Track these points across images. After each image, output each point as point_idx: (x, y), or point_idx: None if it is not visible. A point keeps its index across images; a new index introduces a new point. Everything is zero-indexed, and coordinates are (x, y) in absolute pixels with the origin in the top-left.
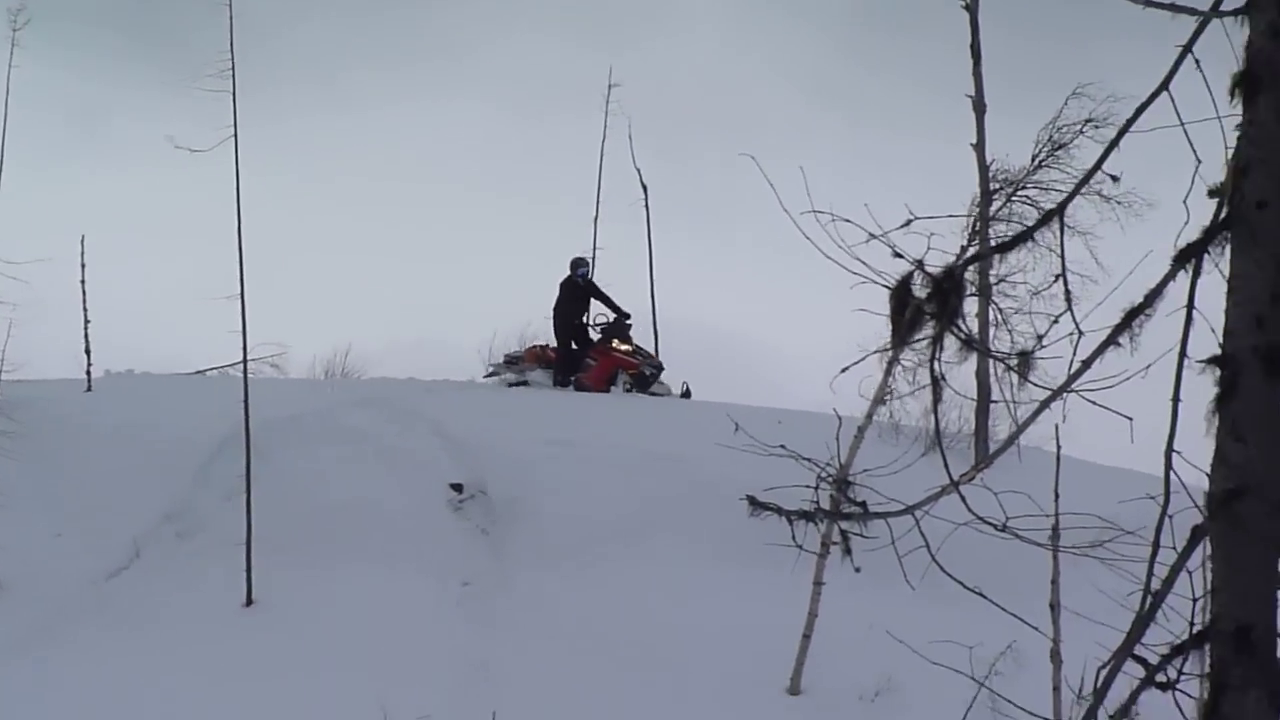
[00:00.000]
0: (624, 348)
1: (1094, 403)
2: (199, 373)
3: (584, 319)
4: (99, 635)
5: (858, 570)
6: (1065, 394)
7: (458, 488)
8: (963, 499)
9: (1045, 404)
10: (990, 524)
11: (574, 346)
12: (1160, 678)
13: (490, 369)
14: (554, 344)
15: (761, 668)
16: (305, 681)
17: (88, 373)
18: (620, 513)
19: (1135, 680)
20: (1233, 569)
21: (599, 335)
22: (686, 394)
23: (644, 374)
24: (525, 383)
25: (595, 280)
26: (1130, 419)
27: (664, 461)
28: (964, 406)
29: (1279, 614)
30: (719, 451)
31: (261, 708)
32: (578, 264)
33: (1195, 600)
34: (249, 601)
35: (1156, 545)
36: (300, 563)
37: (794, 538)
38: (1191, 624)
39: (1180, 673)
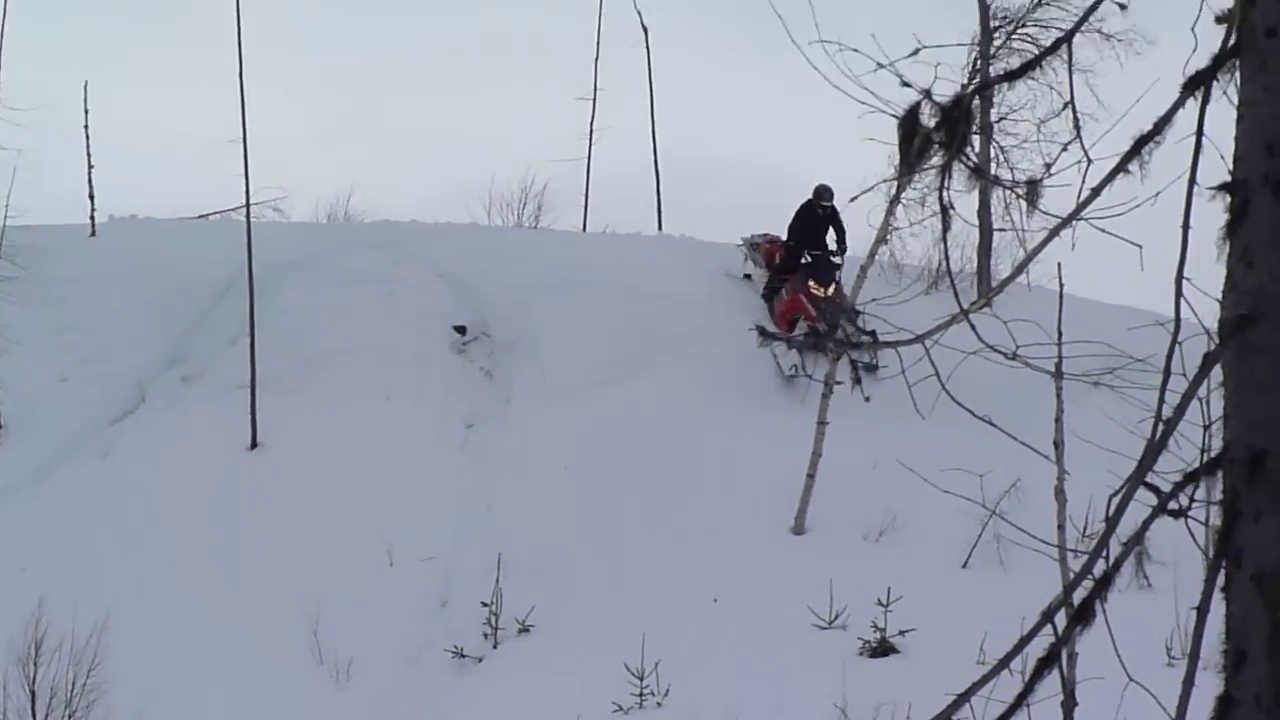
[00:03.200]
0: (816, 292)
1: (1104, 230)
2: (202, 217)
3: (813, 249)
4: (103, 477)
5: (868, 399)
6: (1075, 222)
7: (461, 330)
8: (973, 327)
9: (1057, 230)
10: (1001, 352)
11: (785, 272)
12: (1172, 506)
13: (741, 247)
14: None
15: (765, 507)
16: (311, 522)
17: (91, 218)
18: (622, 352)
19: (1147, 508)
20: (1246, 395)
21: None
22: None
23: (817, 329)
24: (750, 276)
25: (838, 210)
26: (1140, 246)
27: (666, 302)
28: (965, 246)
29: None
30: (724, 293)
31: (268, 547)
32: (822, 193)
33: (1207, 427)
34: (254, 444)
35: (1168, 373)
36: (304, 405)
37: (802, 367)
38: (1204, 451)
39: (1192, 500)
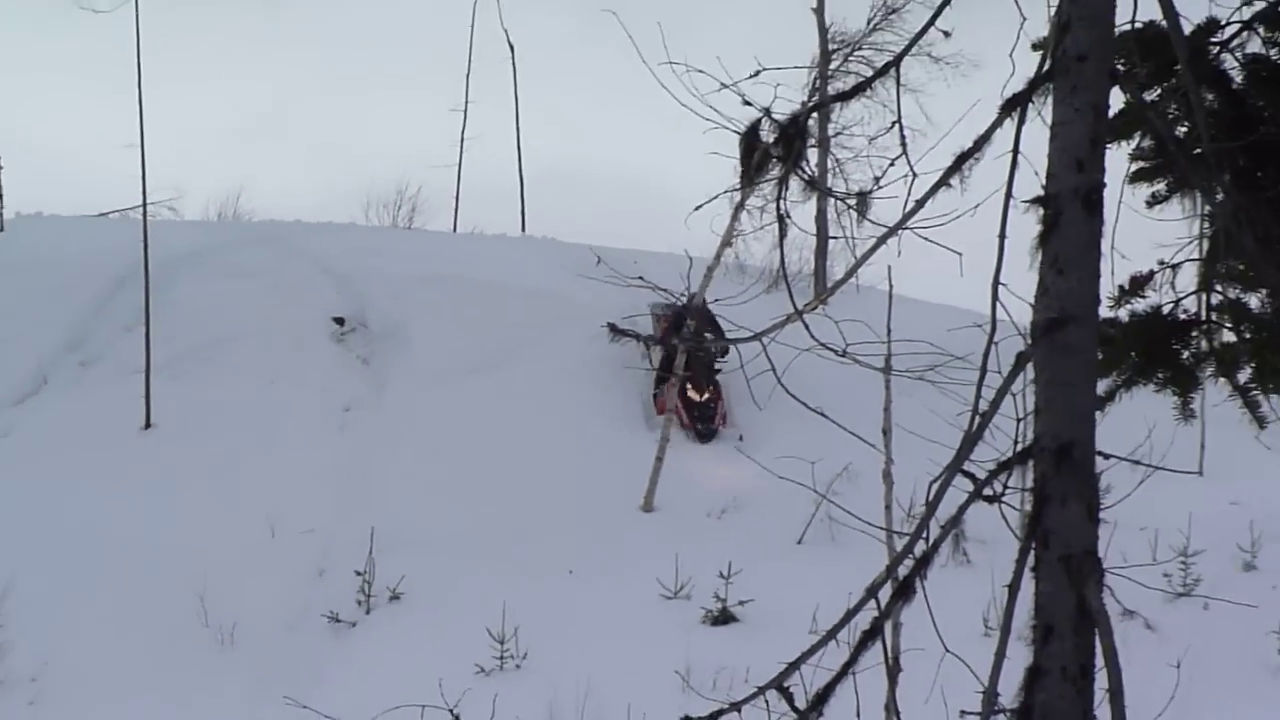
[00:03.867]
0: (692, 396)
1: (927, 239)
2: (102, 215)
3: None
4: (4, 455)
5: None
6: (900, 230)
7: (340, 321)
8: (806, 326)
9: (884, 238)
10: (832, 349)
11: (666, 369)
12: (987, 491)
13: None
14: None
15: (617, 487)
16: (201, 497)
17: None
18: (490, 341)
19: (964, 493)
20: (1055, 391)
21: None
22: (740, 438)
23: (699, 429)
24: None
25: (714, 313)
26: (960, 253)
27: (532, 296)
28: (803, 249)
29: (1095, 432)
30: (583, 288)
31: (159, 520)
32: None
33: (1019, 420)
34: (148, 424)
35: (984, 370)
36: (195, 388)
37: (650, 361)
38: (1016, 442)
39: (1005, 487)
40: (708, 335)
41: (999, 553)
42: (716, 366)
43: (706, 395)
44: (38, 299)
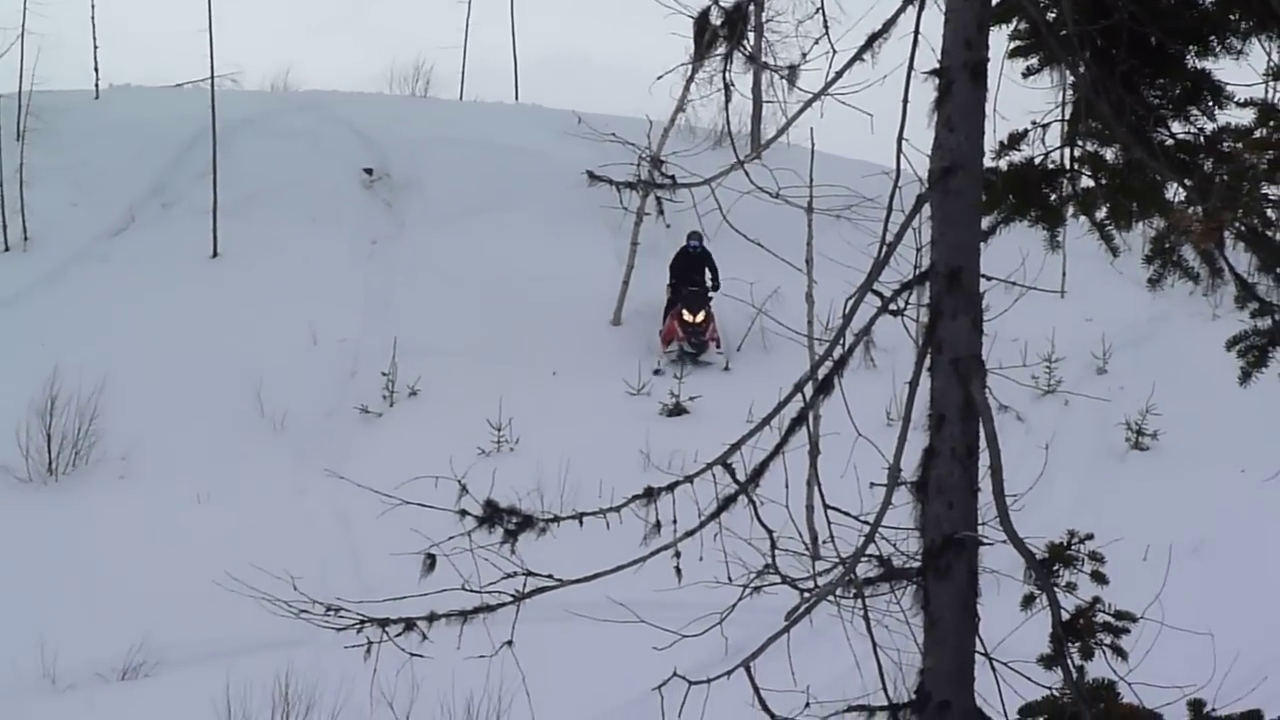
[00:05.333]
0: (687, 319)
1: (844, 103)
2: (178, 86)
3: (686, 283)
4: (102, 277)
5: (668, 226)
6: (823, 96)
7: (369, 171)
8: (746, 174)
9: (809, 103)
10: (767, 193)
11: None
12: (893, 307)
13: None
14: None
15: (591, 305)
16: (257, 311)
17: (96, 85)
18: (490, 189)
19: (873, 309)
20: (946, 226)
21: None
22: (726, 367)
23: (692, 343)
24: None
25: (709, 251)
26: (871, 115)
27: (523, 153)
28: (743, 114)
29: (979, 260)
30: (565, 146)
31: (225, 330)
32: (691, 237)
33: (918, 250)
34: (215, 253)
35: (890, 209)
36: (252, 225)
37: (621, 202)
38: (916, 267)
39: (907, 303)
40: (706, 270)
41: (899, 360)
42: (710, 297)
43: (701, 318)
44: (127, 154)
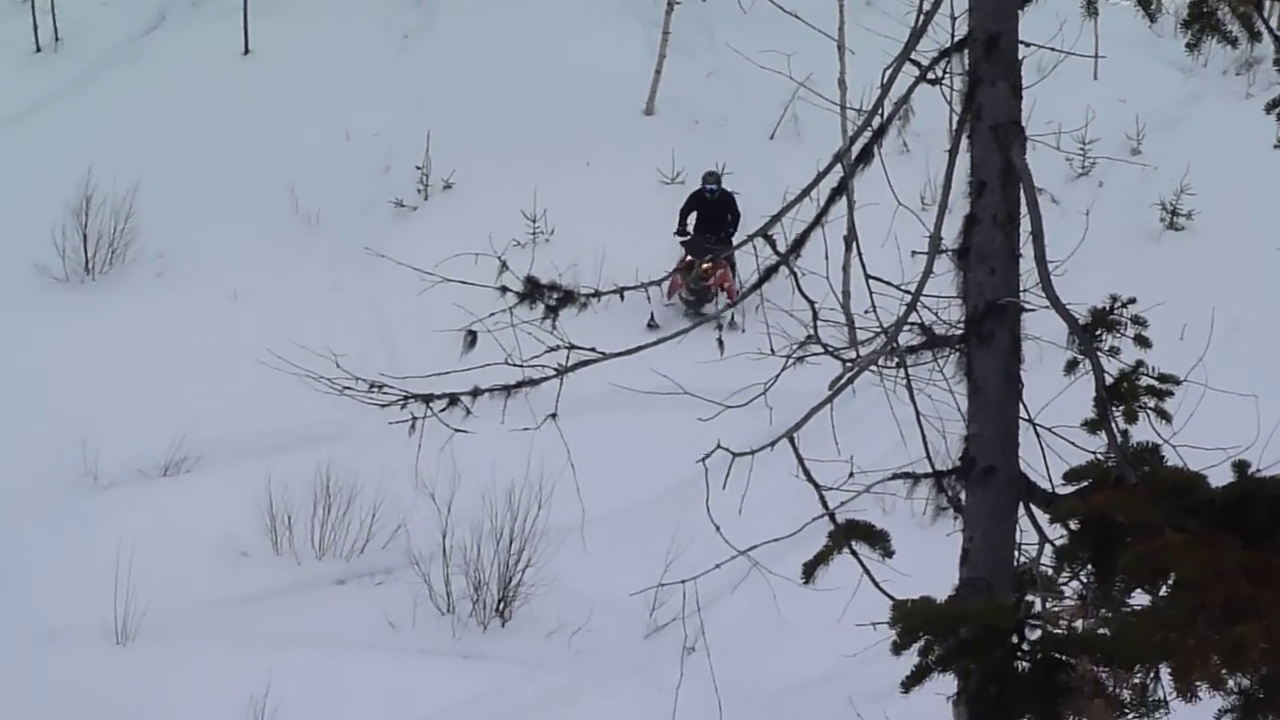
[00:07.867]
0: (694, 266)
1: None
2: None
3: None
4: (135, 76)
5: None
6: None
7: None
8: None
9: None
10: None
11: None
12: (930, 75)
13: None
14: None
15: (624, 96)
16: (290, 108)
17: None
18: None
19: (911, 78)
20: None
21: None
22: (732, 323)
23: (691, 289)
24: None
25: (730, 192)
26: None
27: None
28: None
29: (1018, 26)
30: None
31: (258, 128)
32: (707, 179)
33: (954, 18)
34: (246, 51)
35: None
36: (283, 22)
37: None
38: (952, 35)
39: (945, 71)
40: (728, 217)
41: (932, 144)
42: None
43: (706, 266)
44: None
